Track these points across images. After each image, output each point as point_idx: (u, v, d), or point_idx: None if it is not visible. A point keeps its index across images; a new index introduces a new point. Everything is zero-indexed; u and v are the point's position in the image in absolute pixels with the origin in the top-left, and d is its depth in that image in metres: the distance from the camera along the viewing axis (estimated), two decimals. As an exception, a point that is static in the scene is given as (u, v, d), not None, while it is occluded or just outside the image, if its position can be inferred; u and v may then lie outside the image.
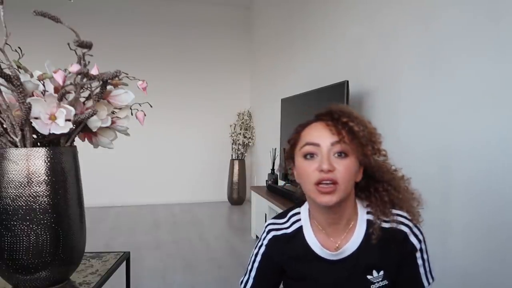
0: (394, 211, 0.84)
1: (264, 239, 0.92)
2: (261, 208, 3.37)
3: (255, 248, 0.93)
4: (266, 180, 3.65)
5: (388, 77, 2.14)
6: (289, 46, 3.85)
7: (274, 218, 0.95)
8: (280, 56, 4.18)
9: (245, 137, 5.28)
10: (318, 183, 0.77)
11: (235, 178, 5.22)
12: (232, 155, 5.37)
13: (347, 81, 2.23)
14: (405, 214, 0.85)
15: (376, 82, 2.26)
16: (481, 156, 1.51)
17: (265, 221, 3.22)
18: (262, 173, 4.83)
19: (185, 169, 5.40)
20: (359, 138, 0.78)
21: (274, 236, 0.90)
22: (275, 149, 3.77)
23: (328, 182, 0.76)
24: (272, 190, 3.25)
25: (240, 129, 5.29)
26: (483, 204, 1.50)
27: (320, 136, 0.79)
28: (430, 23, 1.80)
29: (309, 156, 0.79)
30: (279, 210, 2.73)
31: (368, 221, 0.84)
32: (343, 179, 0.76)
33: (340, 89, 2.28)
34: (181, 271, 2.85)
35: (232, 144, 5.35)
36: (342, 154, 0.78)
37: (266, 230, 0.93)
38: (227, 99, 5.52)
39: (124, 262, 1.31)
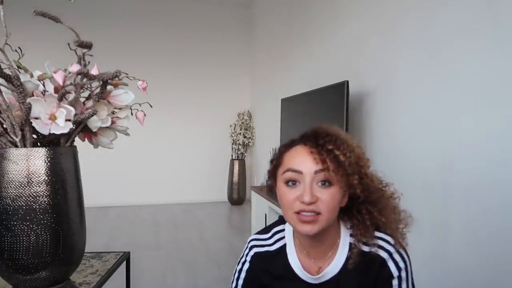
0: (377, 234, 0.81)
1: (246, 255, 0.91)
2: (261, 208, 3.37)
3: (238, 265, 0.92)
4: (266, 180, 3.64)
5: (388, 77, 2.14)
6: (289, 46, 3.85)
7: (258, 233, 0.93)
8: (280, 56, 4.18)
9: (245, 137, 5.28)
10: (299, 212, 0.74)
11: (235, 178, 5.22)
12: (232, 155, 5.38)
13: (347, 81, 2.23)
14: (388, 238, 0.80)
15: (376, 82, 2.26)
16: (481, 156, 1.51)
17: (265, 221, 3.22)
18: (262, 173, 4.83)
19: (185, 169, 5.40)
20: (344, 167, 0.73)
21: (256, 253, 0.89)
22: (275, 149, 3.77)
23: (310, 213, 0.73)
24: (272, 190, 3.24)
25: (240, 129, 5.29)
26: (483, 204, 1.50)
27: (303, 163, 0.75)
28: (430, 22, 1.80)
29: (291, 183, 0.75)
30: (279, 210, 2.73)
31: (351, 244, 0.81)
32: (326, 210, 0.73)
33: (340, 89, 2.28)
34: (181, 271, 2.85)
35: (232, 144, 5.35)
36: (326, 183, 0.73)
37: (249, 246, 0.91)
38: (227, 99, 5.52)
39: (124, 262, 1.31)
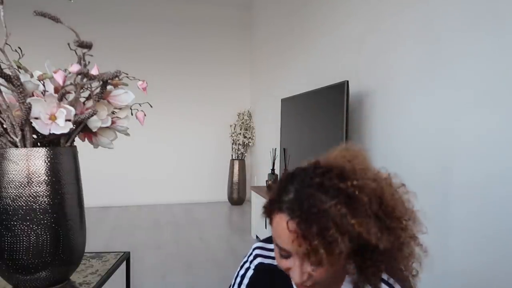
0: None
1: (251, 262, 0.88)
2: (261, 208, 3.36)
3: (241, 269, 0.89)
4: (266, 180, 3.64)
5: (388, 77, 2.14)
6: (289, 46, 3.85)
7: (265, 241, 0.90)
8: (280, 56, 4.18)
9: (245, 137, 5.28)
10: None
11: (235, 178, 5.22)
12: (232, 155, 5.38)
13: (347, 81, 2.23)
14: None
15: (376, 82, 2.26)
16: (481, 156, 1.51)
17: (265, 221, 3.22)
18: (262, 173, 4.83)
19: (185, 169, 5.40)
20: (335, 250, 0.60)
21: (260, 263, 0.86)
22: (275, 149, 3.77)
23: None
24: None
25: (240, 129, 5.29)
26: (483, 204, 1.50)
27: (289, 243, 0.63)
28: (430, 22, 1.80)
29: (283, 254, 0.68)
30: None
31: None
32: (322, 280, 0.67)
33: (340, 89, 2.28)
34: (181, 271, 2.85)
35: (232, 144, 5.35)
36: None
37: (253, 254, 0.88)
38: (227, 99, 5.52)
39: (124, 262, 1.31)
